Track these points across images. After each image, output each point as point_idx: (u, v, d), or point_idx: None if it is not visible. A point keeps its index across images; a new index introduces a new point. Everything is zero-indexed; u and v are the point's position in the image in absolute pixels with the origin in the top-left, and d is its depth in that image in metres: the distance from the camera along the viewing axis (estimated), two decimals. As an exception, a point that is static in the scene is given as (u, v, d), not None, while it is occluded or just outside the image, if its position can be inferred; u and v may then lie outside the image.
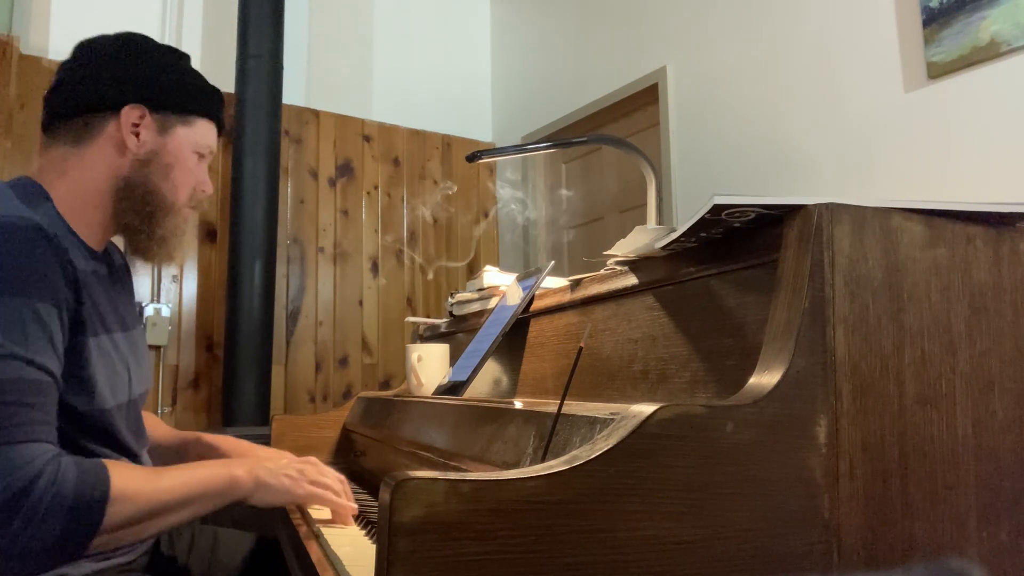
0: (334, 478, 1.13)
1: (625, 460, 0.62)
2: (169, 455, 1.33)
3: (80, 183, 1.06)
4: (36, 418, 0.86)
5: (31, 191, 1.02)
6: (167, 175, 1.10)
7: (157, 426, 1.36)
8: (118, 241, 1.17)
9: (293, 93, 3.14)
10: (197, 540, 1.28)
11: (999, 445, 0.80)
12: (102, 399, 0.99)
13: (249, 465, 1.04)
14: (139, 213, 1.09)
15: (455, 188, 3.51)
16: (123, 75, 1.08)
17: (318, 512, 1.21)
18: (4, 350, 0.85)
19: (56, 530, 0.82)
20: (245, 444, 1.35)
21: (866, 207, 0.76)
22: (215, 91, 1.18)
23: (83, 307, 0.97)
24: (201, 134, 1.14)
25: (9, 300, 0.87)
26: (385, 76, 3.47)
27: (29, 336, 0.87)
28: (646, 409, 0.64)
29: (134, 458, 1.08)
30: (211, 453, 1.32)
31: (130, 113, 1.07)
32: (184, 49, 1.22)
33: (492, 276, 1.69)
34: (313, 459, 1.15)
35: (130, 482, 0.90)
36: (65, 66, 1.11)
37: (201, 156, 1.15)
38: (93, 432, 1.00)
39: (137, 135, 1.08)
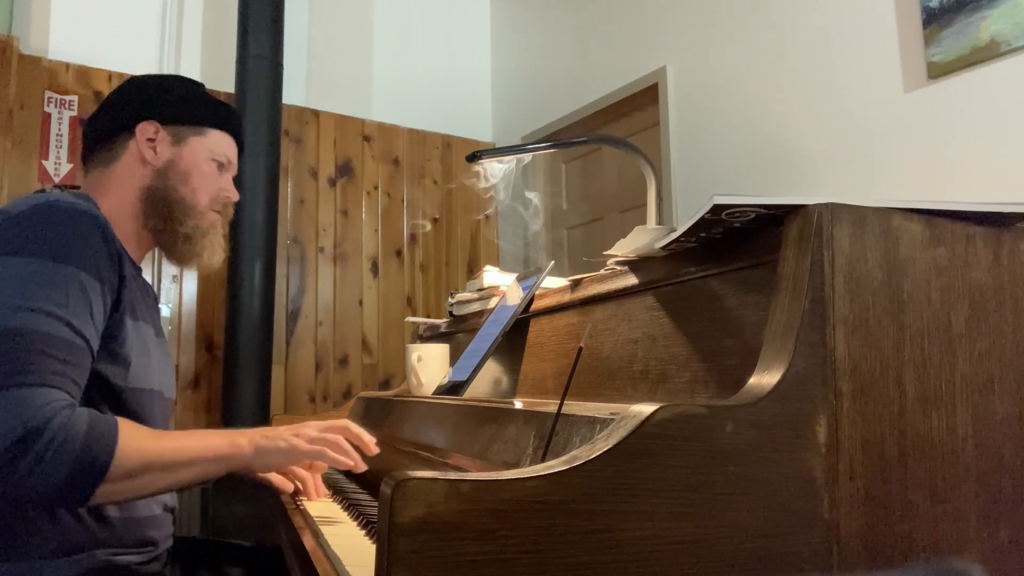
0: (336, 425, 1.14)
1: (625, 460, 0.62)
2: None
3: (115, 198, 1.17)
4: (60, 370, 0.90)
5: (83, 197, 1.11)
6: (185, 181, 1.19)
7: None
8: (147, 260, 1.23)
9: (293, 93, 3.14)
10: (199, 548, 1.29)
11: (999, 445, 0.80)
12: (136, 377, 1.05)
13: (250, 434, 1.08)
14: (163, 216, 1.18)
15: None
16: (136, 99, 1.21)
17: (317, 510, 1.21)
18: (44, 308, 0.91)
19: (63, 473, 0.85)
20: None
21: (866, 207, 0.76)
22: (227, 106, 1.27)
23: (125, 290, 1.04)
24: (215, 143, 1.23)
25: (58, 267, 0.94)
26: (385, 76, 3.47)
27: (71, 302, 0.93)
28: (646, 409, 0.64)
29: None
30: None
31: (145, 129, 1.18)
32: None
33: (492, 276, 1.69)
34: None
35: (137, 437, 0.93)
36: (93, 112, 1.23)
37: (221, 165, 1.24)
38: (127, 412, 1.03)
39: (154, 148, 1.18)
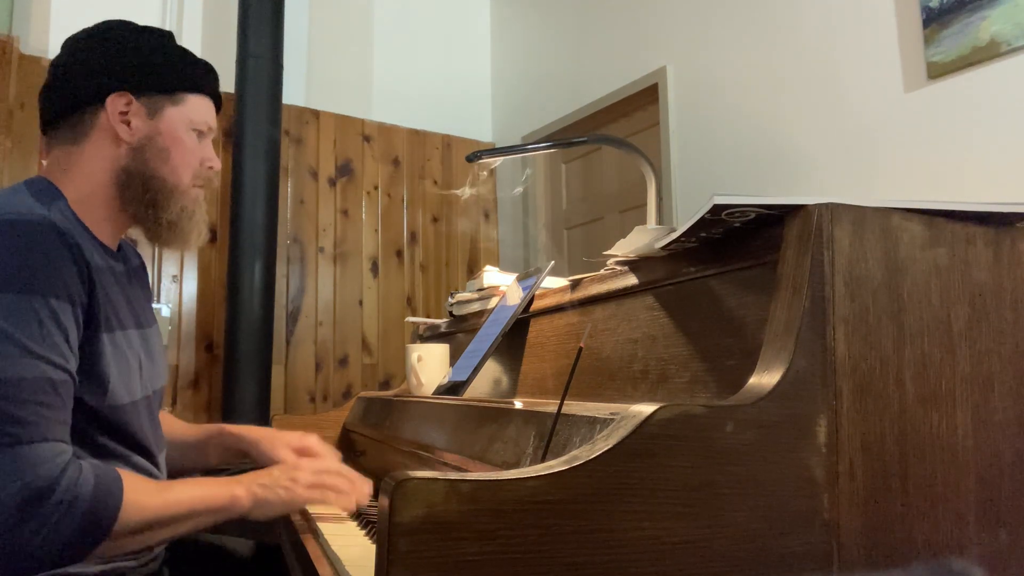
0: (331, 468, 1.11)
1: (625, 460, 0.62)
2: (192, 451, 1.32)
3: (84, 180, 1.06)
4: (53, 417, 0.87)
5: (46, 189, 1.02)
6: (166, 159, 1.08)
7: (174, 423, 1.35)
8: (135, 237, 1.16)
9: (293, 93, 3.14)
10: (199, 548, 1.28)
11: (999, 445, 0.80)
12: (115, 395, 1.00)
13: (247, 482, 1.04)
14: (142, 201, 1.08)
15: (467, 192, 3.50)
16: (103, 65, 1.07)
17: (318, 511, 1.21)
18: (23, 348, 0.87)
19: (68, 533, 0.83)
20: (268, 431, 1.34)
21: (866, 207, 0.76)
22: (202, 64, 1.14)
23: (97, 304, 0.97)
24: (194, 110, 1.11)
25: (26, 298, 0.88)
26: (385, 76, 3.47)
27: (46, 334, 0.89)
28: (646, 409, 0.64)
29: (151, 456, 1.09)
30: (236, 443, 1.31)
31: (116, 102, 1.06)
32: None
33: (492, 276, 1.69)
34: (314, 438, 1.12)
35: (140, 494, 0.91)
36: (52, 65, 1.11)
37: (201, 133, 1.13)
38: (109, 429, 1.00)
39: (128, 123, 1.07)
